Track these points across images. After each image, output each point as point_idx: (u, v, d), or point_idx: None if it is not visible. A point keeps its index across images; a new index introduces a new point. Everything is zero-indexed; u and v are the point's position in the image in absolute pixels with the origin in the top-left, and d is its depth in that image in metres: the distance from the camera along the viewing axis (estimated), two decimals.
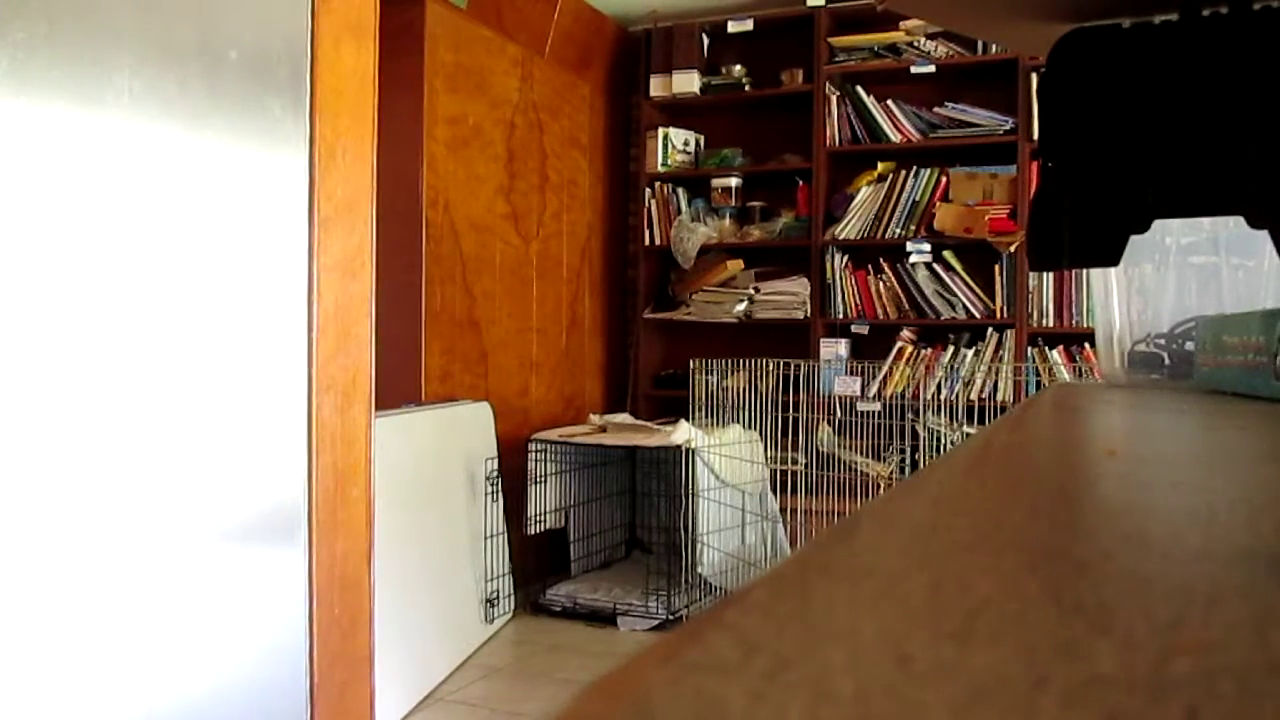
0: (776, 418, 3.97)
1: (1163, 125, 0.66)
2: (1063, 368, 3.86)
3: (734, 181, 4.45)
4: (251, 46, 1.65)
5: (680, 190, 4.58)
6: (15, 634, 1.32)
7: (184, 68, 1.54)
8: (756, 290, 4.33)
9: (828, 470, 3.89)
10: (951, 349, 4.05)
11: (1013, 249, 3.89)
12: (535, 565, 3.70)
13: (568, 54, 4.22)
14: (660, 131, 4.50)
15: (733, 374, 4.07)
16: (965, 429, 3.82)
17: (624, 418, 4.18)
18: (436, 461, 3.06)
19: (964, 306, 4.01)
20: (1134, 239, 0.67)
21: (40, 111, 1.33)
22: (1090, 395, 0.90)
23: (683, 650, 0.17)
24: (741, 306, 4.33)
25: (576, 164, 4.36)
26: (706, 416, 4.02)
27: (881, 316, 4.14)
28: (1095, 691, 0.15)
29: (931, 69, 4.02)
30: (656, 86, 4.49)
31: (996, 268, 3.96)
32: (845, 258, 4.24)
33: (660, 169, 4.52)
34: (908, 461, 3.93)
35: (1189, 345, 0.97)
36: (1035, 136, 3.69)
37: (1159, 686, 0.15)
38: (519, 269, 3.91)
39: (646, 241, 4.58)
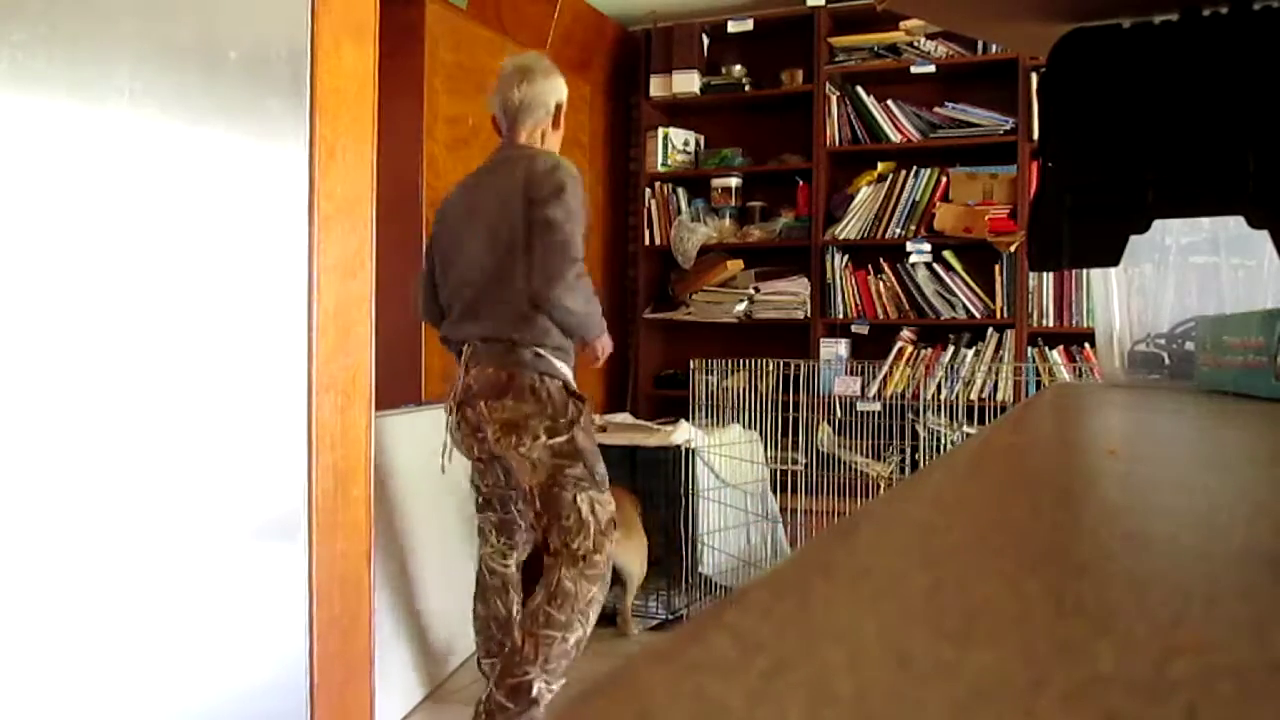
0: (776, 418, 3.97)
1: (1163, 125, 0.66)
2: (1063, 368, 3.86)
3: (734, 181, 4.45)
4: (251, 46, 1.65)
5: (680, 190, 4.58)
6: (20, 633, 1.32)
7: (184, 68, 1.54)
8: (756, 290, 4.33)
9: (828, 470, 3.89)
10: (951, 349, 4.05)
11: (1013, 249, 3.89)
12: (536, 565, 3.69)
13: (568, 54, 4.21)
14: (660, 131, 4.50)
15: (733, 374, 4.07)
16: (965, 429, 3.82)
17: (624, 418, 4.18)
18: (436, 461, 3.05)
19: (964, 306, 4.02)
20: (1134, 239, 0.67)
21: (40, 112, 1.33)
22: (1090, 395, 0.90)
23: (683, 650, 0.17)
24: (741, 306, 4.33)
25: (577, 164, 4.35)
26: (706, 416, 4.02)
27: (881, 316, 4.14)
28: (1095, 691, 0.15)
29: (931, 69, 4.02)
30: (656, 86, 4.49)
31: (996, 268, 3.96)
32: (845, 258, 4.24)
33: (660, 169, 4.52)
34: (908, 461, 3.93)
35: (1189, 345, 0.97)
36: (1035, 136, 3.69)
37: (1159, 686, 0.15)
38: None
39: (646, 241, 4.58)
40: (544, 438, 2.25)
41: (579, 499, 2.27)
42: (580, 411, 2.30)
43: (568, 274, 2.22)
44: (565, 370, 2.32)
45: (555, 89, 2.50)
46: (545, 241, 2.23)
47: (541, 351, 2.27)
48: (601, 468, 2.33)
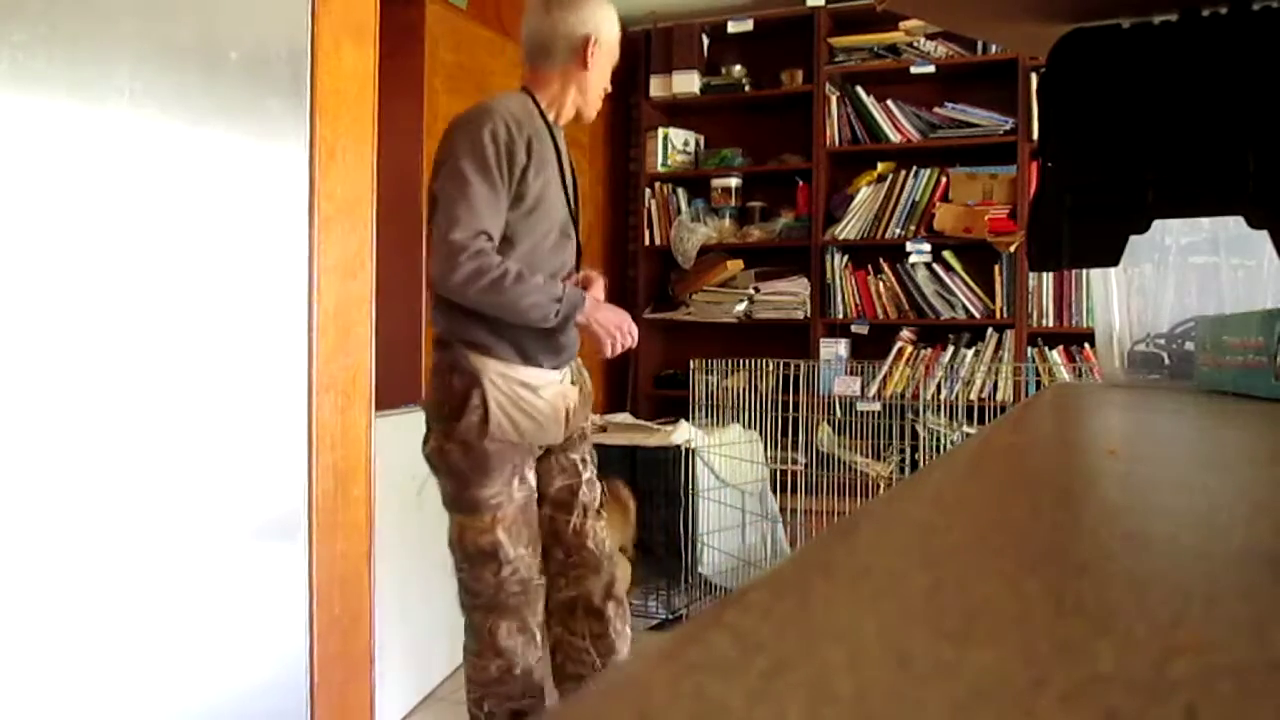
0: (776, 418, 3.97)
1: (1162, 126, 0.66)
2: (1063, 368, 3.86)
3: (734, 181, 4.45)
4: (251, 47, 1.65)
5: (680, 190, 4.58)
6: (22, 632, 1.32)
7: (184, 69, 1.54)
8: (756, 290, 4.33)
9: (828, 470, 3.89)
10: (951, 349, 4.05)
11: (1013, 249, 3.89)
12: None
13: None
14: (660, 131, 4.50)
15: (733, 374, 4.07)
16: (965, 429, 3.82)
17: (624, 418, 4.18)
18: None
19: (964, 306, 4.01)
20: (1134, 239, 0.67)
21: (41, 113, 1.33)
22: (1090, 395, 0.90)
23: (683, 650, 0.17)
24: (741, 306, 4.33)
25: (576, 164, 4.34)
26: (706, 416, 4.02)
27: (881, 316, 4.14)
28: (1095, 691, 0.15)
29: (931, 69, 4.02)
30: (656, 87, 4.48)
31: (996, 268, 3.96)
32: (845, 258, 4.24)
33: (660, 169, 4.52)
34: (908, 461, 3.93)
35: (1189, 345, 0.97)
36: (1035, 136, 3.69)
37: (1159, 686, 0.15)
38: None
39: (646, 241, 4.58)
40: (432, 441, 2.02)
41: (450, 518, 2.01)
42: (471, 424, 1.94)
43: (438, 257, 1.87)
44: (488, 367, 1.95)
45: (588, 18, 2.06)
46: (431, 220, 1.92)
47: (450, 341, 1.97)
48: (477, 493, 1.96)
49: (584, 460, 2.22)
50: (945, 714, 0.14)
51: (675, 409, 4.29)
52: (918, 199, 4.09)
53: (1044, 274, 3.86)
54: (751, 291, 4.33)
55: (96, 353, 1.43)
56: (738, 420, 3.93)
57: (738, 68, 4.44)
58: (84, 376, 1.41)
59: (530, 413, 2.01)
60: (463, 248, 1.85)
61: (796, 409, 3.94)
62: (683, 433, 3.44)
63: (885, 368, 4.06)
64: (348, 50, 1.94)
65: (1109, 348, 1.03)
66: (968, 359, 4.01)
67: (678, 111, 4.63)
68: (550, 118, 2.09)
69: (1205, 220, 0.95)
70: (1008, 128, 3.95)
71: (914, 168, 4.10)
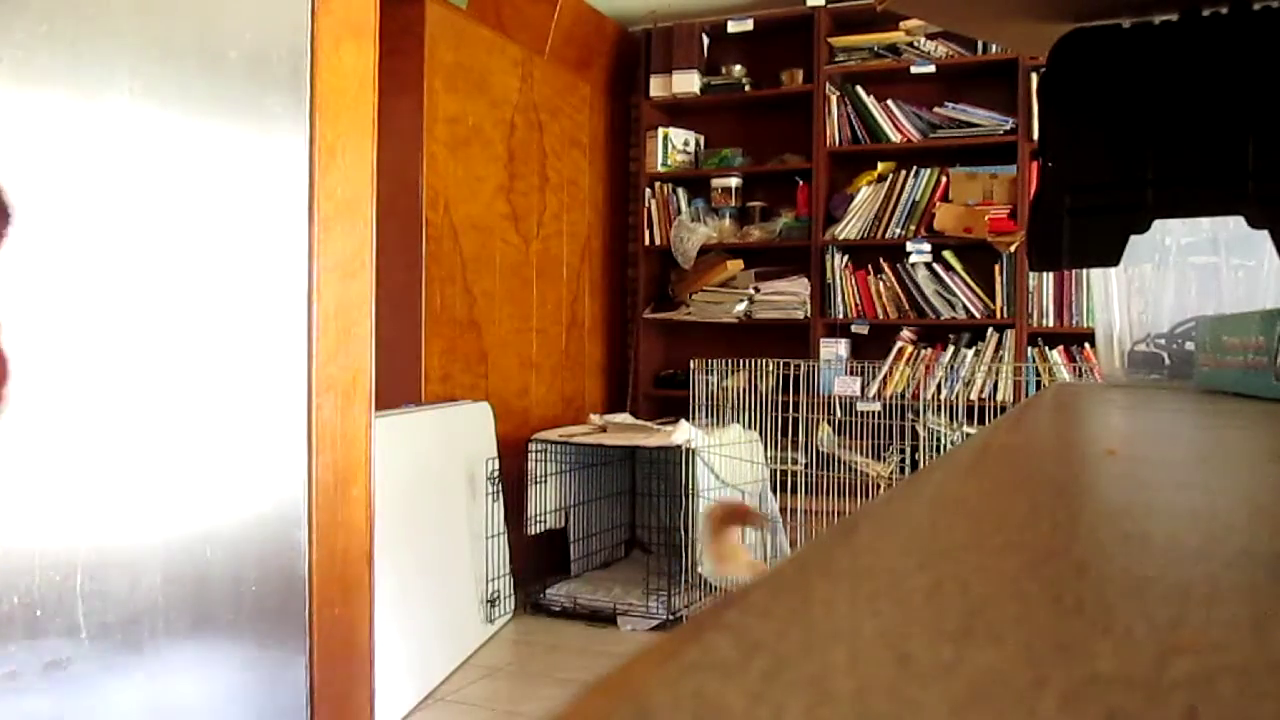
0: (776, 418, 3.97)
1: (1162, 126, 0.66)
2: (1063, 368, 3.86)
3: (734, 181, 4.45)
4: (251, 46, 1.65)
5: (680, 190, 4.58)
6: (17, 630, 1.32)
7: (184, 68, 1.54)
8: (756, 290, 4.33)
9: (828, 470, 3.89)
10: (951, 349, 4.05)
11: (1013, 249, 3.89)
12: (535, 565, 3.70)
13: (568, 54, 4.21)
14: (660, 131, 4.50)
15: (733, 374, 4.07)
16: (965, 429, 3.82)
17: (624, 418, 4.18)
18: (436, 461, 3.06)
19: (964, 306, 4.01)
20: (1134, 239, 0.67)
21: (41, 112, 1.33)
22: (1090, 395, 0.90)
23: (683, 650, 0.17)
24: (741, 306, 4.33)
25: (576, 164, 4.36)
26: (706, 416, 4.02)
27: (881, 316, 4.14)
28: (1095, 691, 0.14)
29: (931, 69, 4.02)
30: (656, 86, 4.48)
31: (996, 268, 3.96)
32: (845, 258, 4.24)
33: (660, 169, 4.52)
34: (908, 461, 3.93)
35: (1189, 345, 0.97)
36: (1035, 136, 3.69)
37: (1159, 686, 0.15)
38: (519, 269, 3.91)
39: (646, 241, 4.58)
40: None
41: None
42: None
43: None
44: None
45: None
46: None
47: None
48: None
49: None
50: (945, 714, 0.14)
51: (675, 409, 4.29)
52: (918, 199, 4.09)
53: (1044, 274, 3.86)
54: (751, 291, 4.33)
55: (95, 351, 1.43)
56: (738, 420, 3.93)
57: (738, 68, 4.44)
58: (81, 375, 1.41)
59: None
60: None
61: (796, 409, 3.94)
62: (683, 433, 3.44)
63: (885, 368, 4.06)
64: (348, 49, 1.94)
65: (1109, 348, 1.03)
66: (968, 359, 4.01)
67: (678, 111, 4.63)
68: None
69: (1205, 220, 0.95)
70: (1008, 128, 3.95)
71: (914, 168, 4.10)
